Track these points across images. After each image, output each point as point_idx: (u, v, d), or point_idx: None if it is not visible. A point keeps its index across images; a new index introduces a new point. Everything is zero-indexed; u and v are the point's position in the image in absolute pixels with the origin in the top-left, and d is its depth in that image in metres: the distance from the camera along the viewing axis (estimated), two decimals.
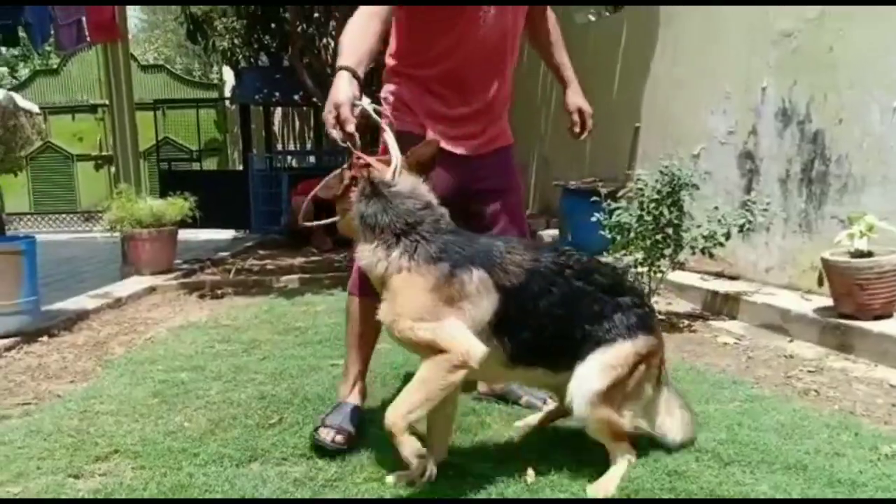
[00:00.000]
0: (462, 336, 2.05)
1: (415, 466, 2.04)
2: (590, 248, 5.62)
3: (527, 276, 2.16)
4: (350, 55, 2.28)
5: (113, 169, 10.54)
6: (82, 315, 5.08)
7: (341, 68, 2.24)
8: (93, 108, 15.10)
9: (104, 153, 14.77)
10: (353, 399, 2.70)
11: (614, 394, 2.16)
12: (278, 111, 15.71)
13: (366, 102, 2.28)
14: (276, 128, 15.61)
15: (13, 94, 4.67)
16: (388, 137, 2.29)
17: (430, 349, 2.05)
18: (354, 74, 2.24)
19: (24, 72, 20.14)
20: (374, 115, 2.32)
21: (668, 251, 4.44)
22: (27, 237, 4.75)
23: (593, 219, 4.65)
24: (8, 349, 4.19)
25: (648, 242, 4.38)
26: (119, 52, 7.98)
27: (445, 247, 2.12)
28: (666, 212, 4.27)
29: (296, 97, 11.29)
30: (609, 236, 4.55)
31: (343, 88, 2.19)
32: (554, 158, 8.45)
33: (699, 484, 2.23)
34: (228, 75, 15.84)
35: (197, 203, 7.24)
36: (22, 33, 7.02)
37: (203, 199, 7.34)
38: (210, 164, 15.44)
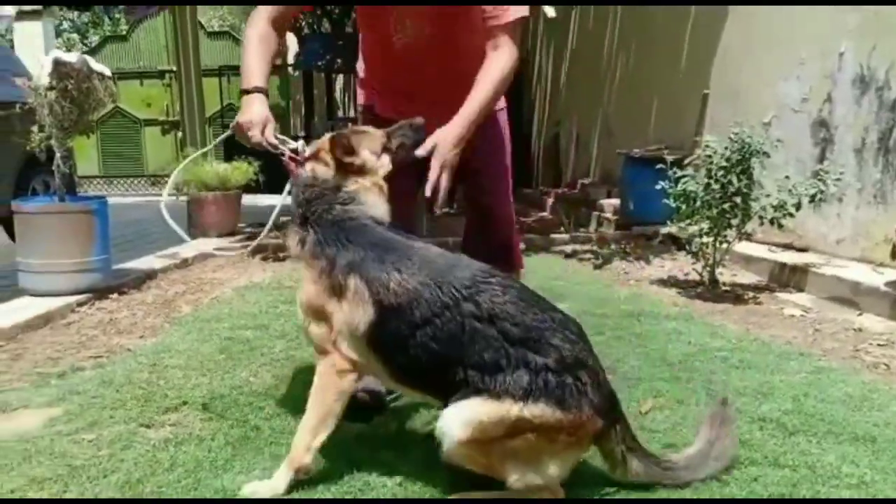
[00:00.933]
0: (345, 343, 2.02)
1: (261, 493, 2.00)
2: (651, 218, 5.61)
3: (409, 299, 1.96)
4: (258, 76, 2.40)
5: (180, 134, 10.76)
6: (151, 275, 5.22)
7: (255, 89, 2.37)
8: (160, 74, 15.35)
9: (171, 118, 15.04)
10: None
11: (487, 447, 1.86)
12: (340, 78, 15.76)
13: (270, 131, 2.31)
14: (337, 95, 15.69)
15: (87, 56, 4.73)
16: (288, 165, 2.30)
17: (322, 351, 2.06)
18: (266, 94, 2.37)
19: (93, 38, 20.61)
20: (271, 149, 2.31)
21: (735, 221, 4.34)
22: (98, 197, 4.88)
23: (657, 187, 4.56)
24: (80, 305, 4.34)
25: (715, 211, 4.28)
26: (187, 19, 8.11)
27: (338, 238, 2.06)
28: (735, 180, 4.17)
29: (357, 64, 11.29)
30: (674, 205, 4.47)
31: (257, 110, 2.33)
32: (617, 128, 8.32)
33: (763, 452, 2.21)
34: (291, 42, 15.93)
35: (260, 168, 7.34)
36: None
37: (266, 164, 7.43)
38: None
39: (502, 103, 2.72)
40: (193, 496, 2.01)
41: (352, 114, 16.21)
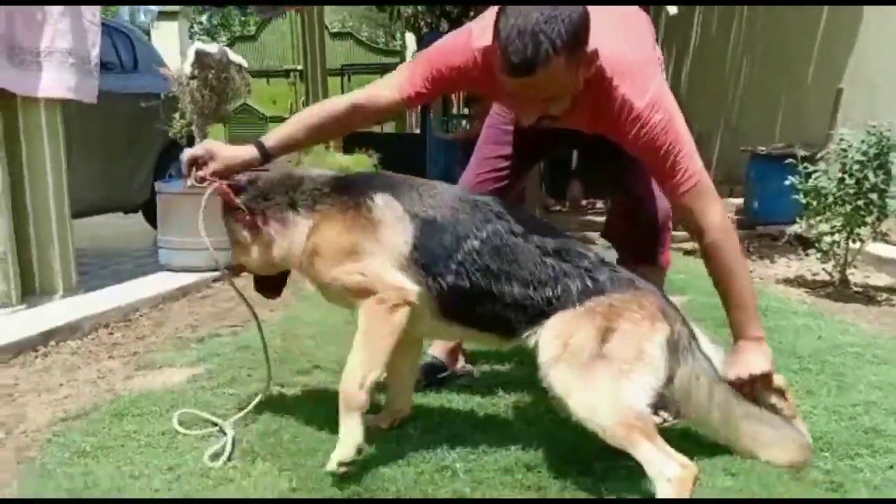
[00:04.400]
0: (391, 271, 1.96)
1: (346, 456, 1.94)
2: (777, 217, 5.43)
3: (446, 214, 1.99)
4: (274, 137, 2.22)
5: None
6: None
7: (256, 143, 2.20)
8: (286, 73, 15.97)
9: None
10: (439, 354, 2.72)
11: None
12: None
13: (205, 171, 2.16)
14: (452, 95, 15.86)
15: (226, 48, 5.03)
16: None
17: (365, 293, 1.97)
18: (264, 155, 2.18)
19: (223, 38, 21.65)
20: (197, 183, 2.18)
21: (870, 218, 4.14)
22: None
23: (787, 183, 4.42)
24: (215, 281, 4.60)
25: (849, 208, 4.11)
26: (315, 20, 8.42)
27: (339, 183, 2.10)
28: (871, 175, 3.99)
29: None
30: (803, 201, 4.32)
31: (229, 150, 2.19)
32: (742, 125, 8.09)
33: None
34: (409, 42, 16.24)
35: (379, 160, 7.57)
36: None
37: (383, 159, 7.65)
38: (389, 128, 15.97)
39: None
40: (328, 448, 2.11)
41: (465, 111, 16.38)
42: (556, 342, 1.85)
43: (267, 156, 2.18)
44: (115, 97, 5.35)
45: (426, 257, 1.96)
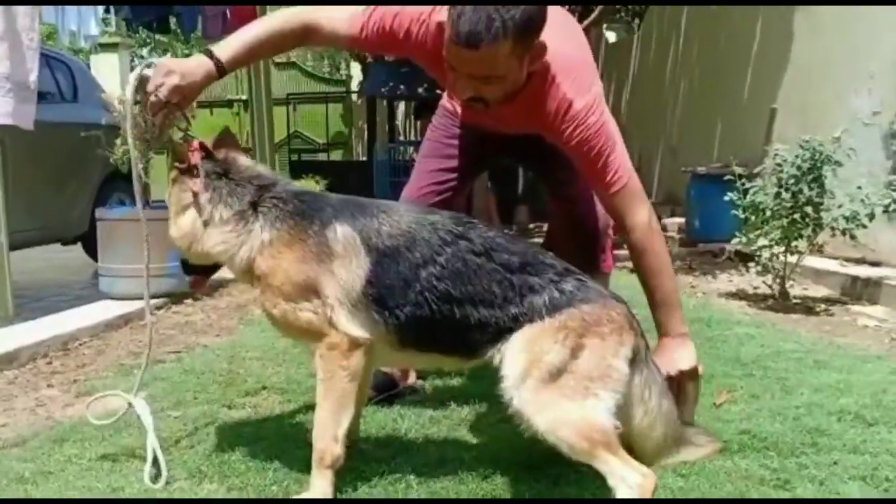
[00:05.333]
0: (342, 313, 1.86)
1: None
2: (717, 235, 5.56)
3: (406, 240, 1.88)
4: (228, 50, 2.09)
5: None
6: (223, 283, 5.36)
7: (207, 52, 2.07)
8: (229, 103, 15.88)
9: (242, 145, 15.51)
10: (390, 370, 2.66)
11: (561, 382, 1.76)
12: (401, 106, 16.05)
13: (167, 88, 1.97)
14: (398, 122, 15.97)
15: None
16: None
17: (315, 335, 1.88)
18: (219, 71, 2.06)
19: None
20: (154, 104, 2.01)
21: (806, 231, 4.27)
22: None
23: (726, 199, 4.53)
24: (158, 308, 4.50)
25: (786, 222, 4.23)
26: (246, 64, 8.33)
27: (305, 203, 1.95)
28: (806, 189, 4.12)
29: (420, 90, 11.51)
30: (742, 216, 4.43)
31: (192, 64, 2.03)
32: (681, 147, 8.31)
33: (842, 440, 2.19)
34: (354, 71, 16.32)
35: (326, 187, 7.54)
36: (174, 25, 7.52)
37: (331, 186, 7.63)
38: (335, 156, 15.97)
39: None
40: (277, 465, 2.07)
41: (413, 138, 16.49)
42: (522, 357, 1.78)
43: (221, 69, 2.05)
44: (54, 127, 5.24)
45: (382, 291, 1.86)
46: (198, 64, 2.03)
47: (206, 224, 1.96)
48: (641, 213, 2.17)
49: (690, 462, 2.02)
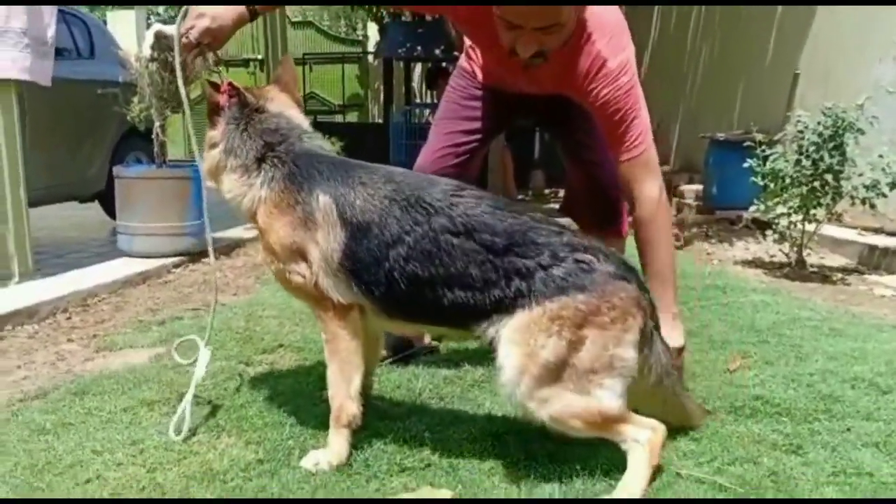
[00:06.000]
0: (326, 278, 1.87)
1: (324, 465, 1.87)
2: (735, 202, 5.51)
3: (378, 216, 1.83)
4: None
5: None
6: (240, 243, 5.40)
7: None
8: (245, 63, 15.77)
9: None
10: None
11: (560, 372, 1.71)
12: (418, 66, 15.91)
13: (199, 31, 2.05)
14: (414, 84, 15.84)
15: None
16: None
17: (306, 296, 1.92)
18: (252, 16, 2.13)
19: None
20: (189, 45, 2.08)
21: (825, 200, 4.22)
22: (192, 165, 5.07)
23: (745, 165, 4.49)
24: (176, 266, 4.54)
25: (805, 189, 4.18)
26: (276, 9, 8.26)
27: (298, 167, 1.92)
28: (826, 156, 4.07)
29: (437, 51, 11.40)
30: (761, 184, 4.39)
31: (225, 10, 2.07)
32: (700, 113, 8.21)
33: (856, 407, 2.19)
34: (371, 32, 16.16)
35: (342, 148, 7.50)
36: None
37: (346, 149, 7.57)
38: (351, 118, 15.88)
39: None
40: (294, 421, 2.11)
41: (429, 101, 16.37)
42: (517, 351, 1.71)
43: (252, 12, 2.11)
44: (71, 84, 5.25)
45: (357, 265, 1.84)
46: (229, 7, 2.08)
47: (222, 168, 2.01)
48: (652, 186, 2.19)
49: (703, 426, 2.04)
